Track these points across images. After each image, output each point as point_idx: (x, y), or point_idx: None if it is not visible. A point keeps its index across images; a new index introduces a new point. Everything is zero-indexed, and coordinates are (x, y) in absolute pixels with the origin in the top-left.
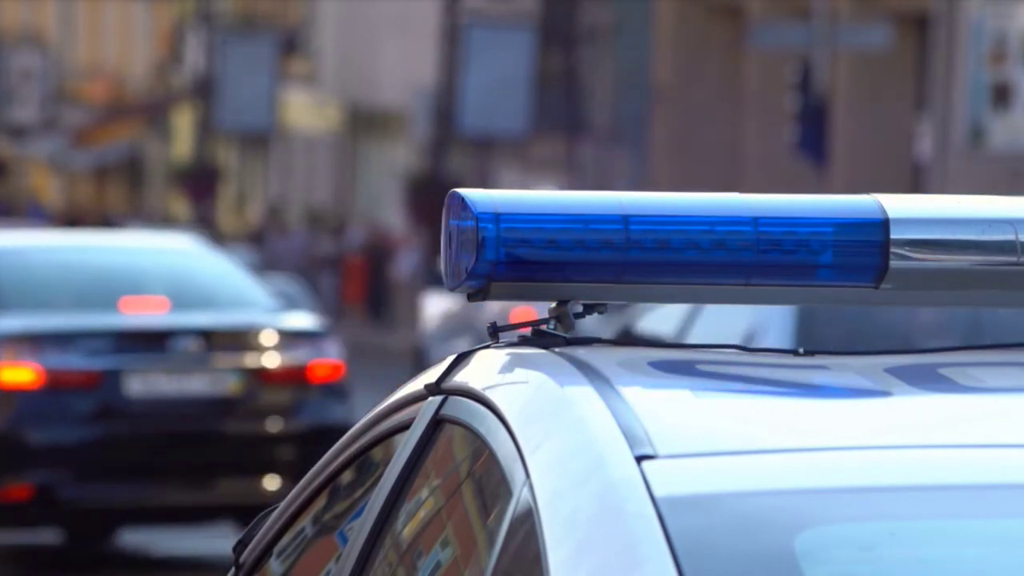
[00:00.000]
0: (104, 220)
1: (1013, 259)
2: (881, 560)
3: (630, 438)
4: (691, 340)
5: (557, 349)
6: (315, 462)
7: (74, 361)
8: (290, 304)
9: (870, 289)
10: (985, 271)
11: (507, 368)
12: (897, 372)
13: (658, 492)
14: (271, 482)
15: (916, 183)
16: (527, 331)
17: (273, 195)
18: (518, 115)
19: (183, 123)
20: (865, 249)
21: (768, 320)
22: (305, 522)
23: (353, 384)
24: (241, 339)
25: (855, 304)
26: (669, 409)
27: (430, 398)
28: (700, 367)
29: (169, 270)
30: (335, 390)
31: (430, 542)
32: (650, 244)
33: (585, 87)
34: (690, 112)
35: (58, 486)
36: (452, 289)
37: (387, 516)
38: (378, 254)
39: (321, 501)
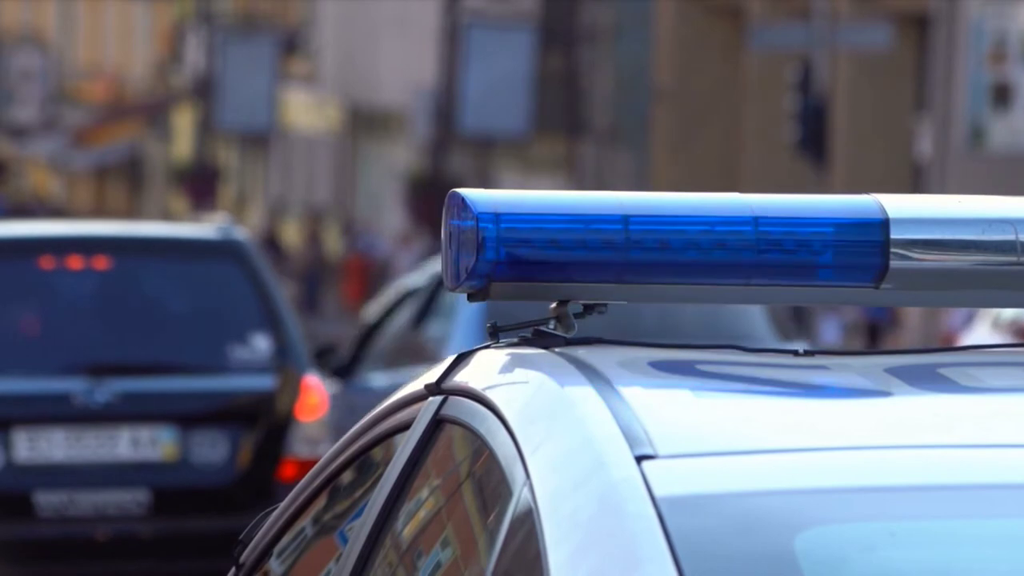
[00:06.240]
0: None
1: (1013, 259)
2: (881, 560)
3: (630, 438)
4: None
5: (557, 349)
6: None
7: None
8: None
9: (870, 289)
10: (985, 271)
11: (507, 368)
12: (897, 372)
13: (658, 492)
14: None
15: (916, 183)
16: (527, 331)
17: (273, 195)
18: (518, 115)
19: (183, 123)
20: (865, 249)
21: None
22: (305, 522)
23: None
24: None
25: (855, 304)
26: (669, 409)
27: (430, 398)
28: (700, 367)
29: None
30: None
31: (430, 542)
32: (650, 244)
33: (585, 87)
34: (690, 112)
35: None
36: (452, 289)
37: (387, 516)
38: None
39: (321, 501)
